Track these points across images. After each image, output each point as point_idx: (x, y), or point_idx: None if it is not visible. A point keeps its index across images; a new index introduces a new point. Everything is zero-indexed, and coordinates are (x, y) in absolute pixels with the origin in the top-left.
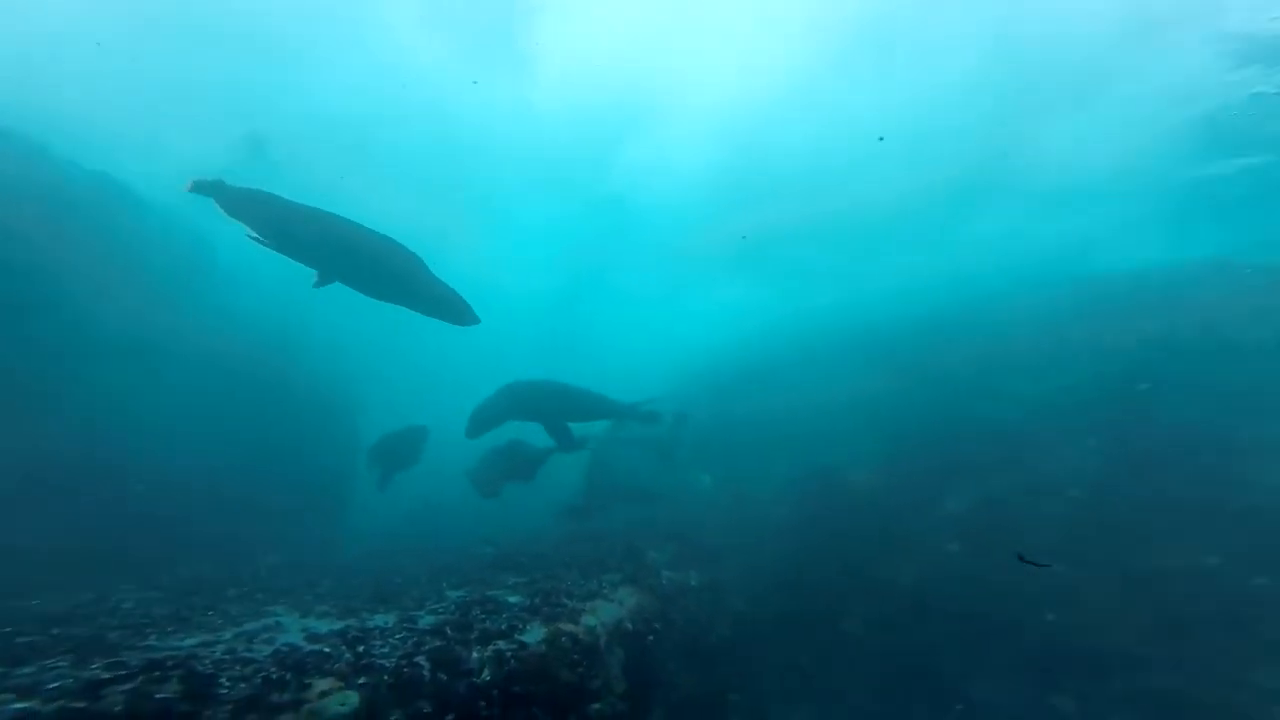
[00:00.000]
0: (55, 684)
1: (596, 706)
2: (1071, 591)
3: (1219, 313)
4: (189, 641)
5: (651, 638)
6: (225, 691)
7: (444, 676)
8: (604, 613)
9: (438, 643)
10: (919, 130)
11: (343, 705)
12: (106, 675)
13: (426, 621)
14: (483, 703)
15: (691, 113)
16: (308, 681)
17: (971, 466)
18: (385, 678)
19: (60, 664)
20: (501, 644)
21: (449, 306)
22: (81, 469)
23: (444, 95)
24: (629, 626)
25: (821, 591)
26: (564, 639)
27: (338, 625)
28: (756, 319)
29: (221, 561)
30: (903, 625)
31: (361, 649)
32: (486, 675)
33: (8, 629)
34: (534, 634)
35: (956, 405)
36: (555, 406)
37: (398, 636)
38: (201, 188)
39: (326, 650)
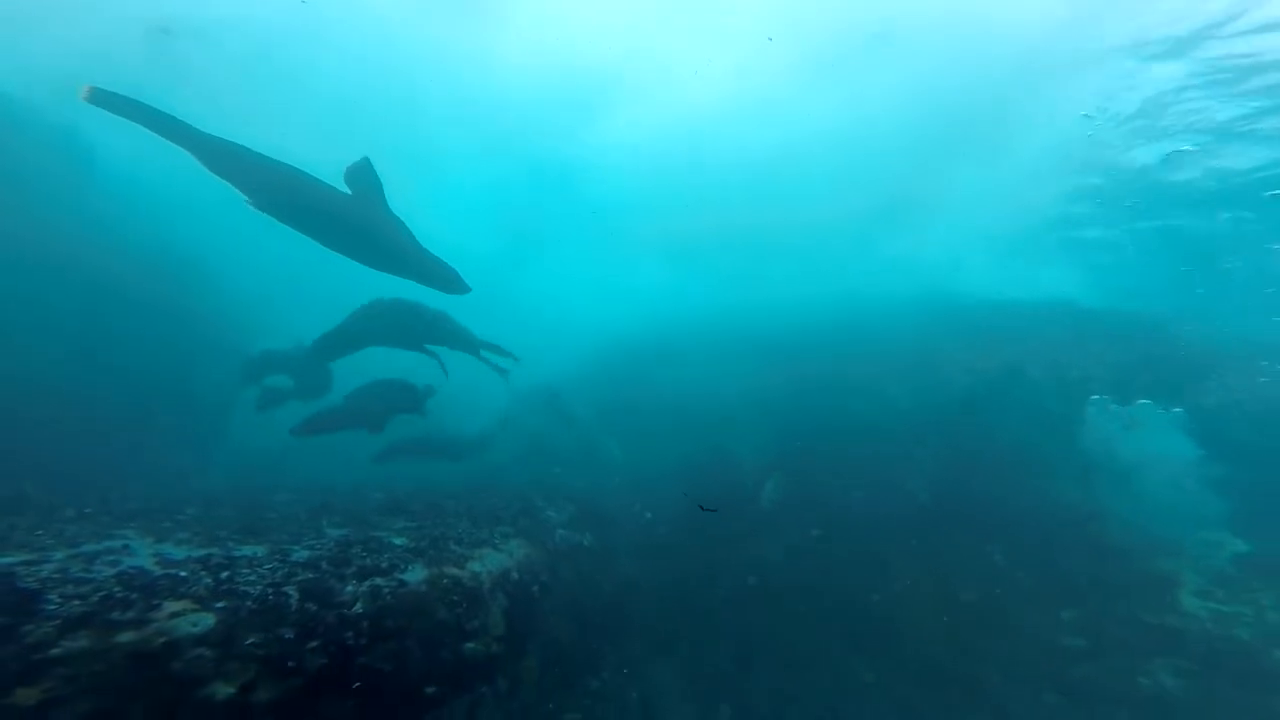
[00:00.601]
0: None
1: (470, 645)
2: (894, 577)
3: (1059, 351)
4: (6, 560)
5: (537, 589)
6: (54, 608)
7: (313, 606)
8: (491, 561)
9: (310, 575)
10: (850, 156)
11: (194, 626)
12: None
13: (300, 555)
14: (350, 633)
15: (651, 102)
16: (156, 602)
17: (847, 460)
18: (248, 603)
19: None
20: (380, 580)
21: (438, 275)
22: None
23: (393, 31)
24: (515, 576)
25: (700, 560)
26: (446, 580)
27: (198, 552)
28: (679, 306)
29: (59, 485)
30: (763, 597)
31: (225, 575)
32: (359, 608)
33: None
34: (415, 574)
35: (842, 406)
36: (413, 326)
37: (267, 567)
38: (106, 101)
39: (183, 575)
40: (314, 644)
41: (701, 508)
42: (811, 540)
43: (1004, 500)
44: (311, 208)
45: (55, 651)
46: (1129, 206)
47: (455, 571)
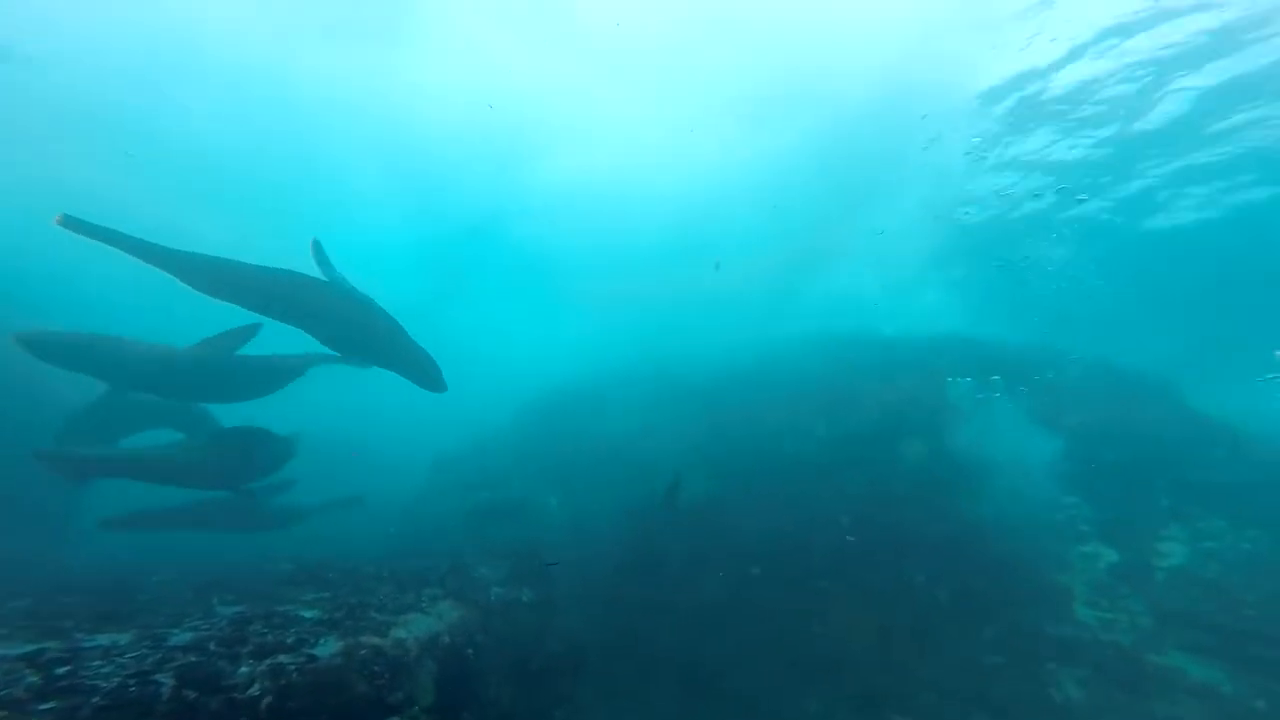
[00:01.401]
0: None
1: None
2: (830, 606)
3: (943, 377)
4: None
5: (471, 651)
6: None
7: (191, 693)
8: (417, 626)
9: (193, 658)
10: (766, 204)
11: None
12: None
13: (181, 638)
14: (243, 718)
15: (574, 150)
16: None
17: (780, 497)
18: (93, 699)
19: None
20: (284, 657)
21: (426, 369)
22: None
23: (279, 64)
24: (446, 640)
25: (645, 604)
26: (364, 651)
27: (25, 649)
28: (608, 356)
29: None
30: (709, 635)
31: (63, 670)
32: (255, 689)
33: None
34: (328, 647)
35: (773, 445)
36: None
37: (131, 655)
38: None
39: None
40: None
41: (547, 565)
42: (753, 578)
43: (917, 522)
44: (316, 308)
45: None
46: (975, 245)
47: (376, 640)
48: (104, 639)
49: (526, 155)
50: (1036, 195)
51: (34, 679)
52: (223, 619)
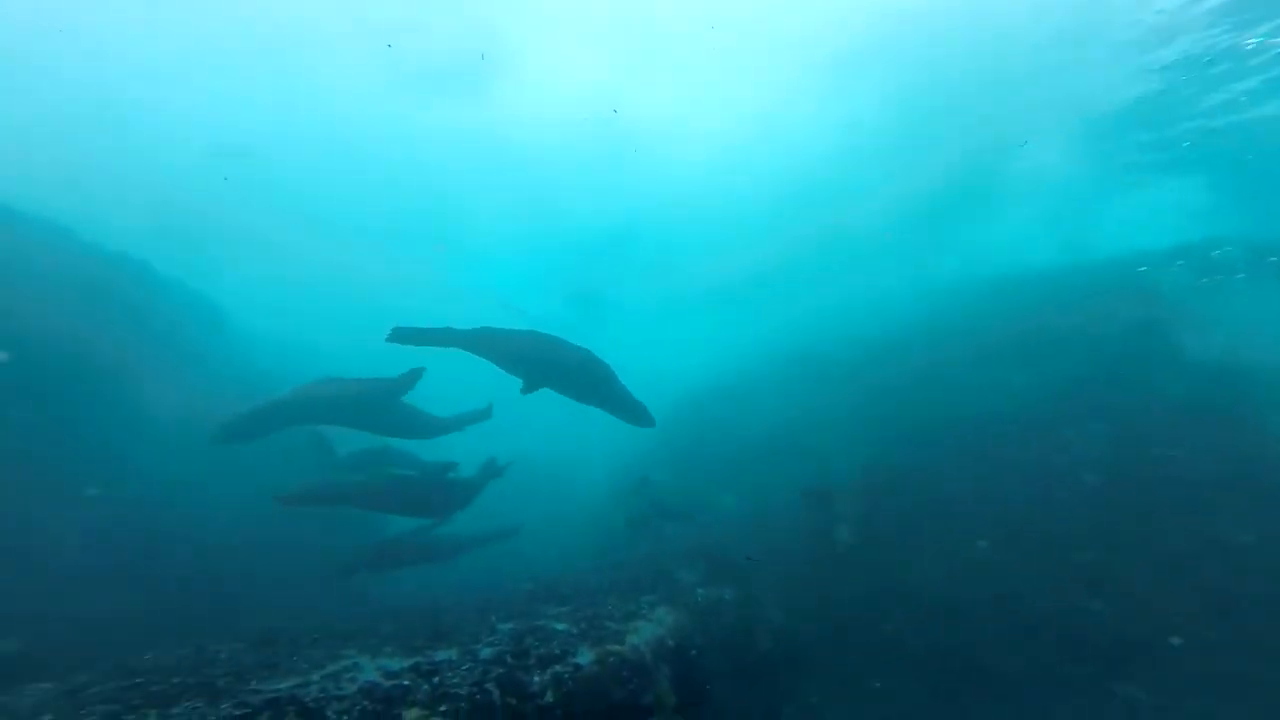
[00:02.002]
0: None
1: None
2: (1110, 577)
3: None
4: (285, 684)
5: (694, 652)
6: None
7: (513, 700)
8: (645, 632)
9: (500, 670)
10: (895, 144)
11: None
12: (238, 714)
13: (486, 653)
14: None
15: (680, 146)
16: (397, 712)
17: (984, 460)
18: (462, 704)
19: (199, 704)
20: (558, 667)
21: (632, 410)
22: (135, 541)
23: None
24: (670, 643)
25: (855, 598)
26: (612, 659)
27: (407, 663)
28: (748, 345)
29: (283, 613)
30: (942, 624)
31: (436, 680)
32: (549, 697)
33: (139, 679)
34: (585, 656)
35: (956, 402)
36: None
37: (464, 668)
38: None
39: (405, 684)
40: None
41: (746, 558)
42: (982, 554)
43: (1199, 462)
44: (555, 361)
45: None
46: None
47: (618, 648)
48: (443, 654)
49: (641, 159)
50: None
51: (425, 687)
52: (504, 634)
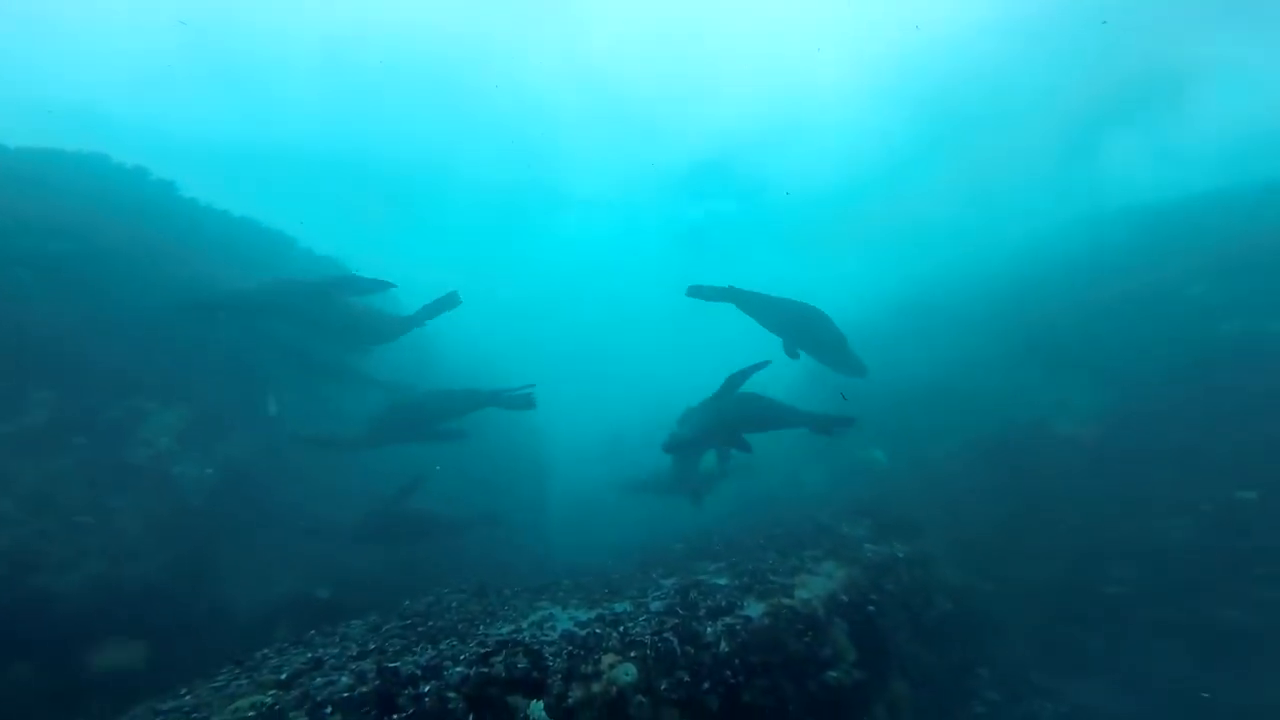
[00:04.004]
0: (463, 655)
1: (833, 674)
2: None
3: None
4: (505, 629)
5: (871, 608)
6: (551, 664)
7: (690, 649)
8: (814, 586)
9: (675, 620)
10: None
11: (627, 675)
12: (483, 651)
13: (656, 605)
14: (728, 671)
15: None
16: (596, 656)
17: (1242, 395)
18: (648, 651)
19: (454, 642)
20: (728, 619)
21: (852, 364)
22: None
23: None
24: (844, 598)
25: (1054, 556)
26: (783, 611)
27: (592, 614)
28: (891, 295)
29: (486, 569)
30: (1182, 585)
31: (621, 629)
32: (724, 646)
33: (408, 620)
34: (754, 609)
35: (1193, 330)
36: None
37: (641, 619)
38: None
39: (597, 631)
40: (706, 685)
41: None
42: (1245, 505)
43: None
44: (806, 327)
45: (568, 702)
46: None
47: (787, 602)
48: (619, 606)
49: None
50: None
51: (615, 635)
52: (668, 589)
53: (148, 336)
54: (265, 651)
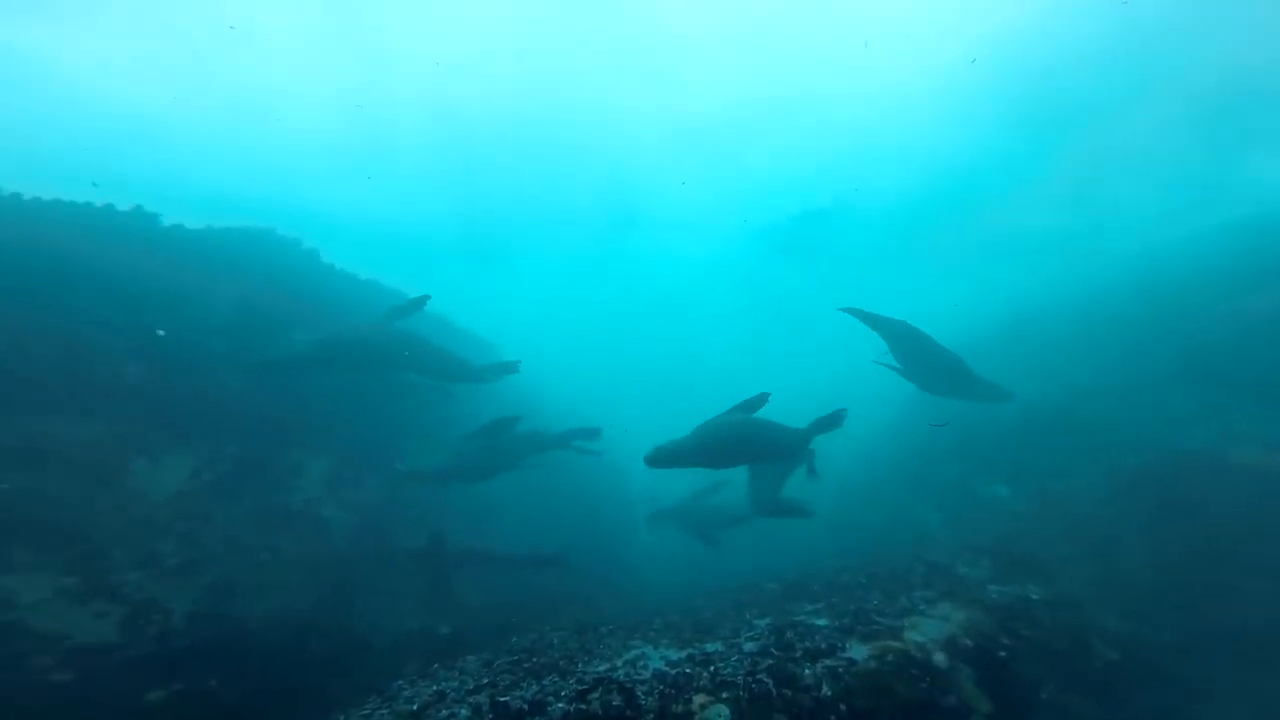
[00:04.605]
0: (564, 691)
1: None
2: None
3: None
4: (601, 667)
5: (1004, 654)
6: (643, 702)
7: (788, 692)
8: (928, 629)
9: (770, 661)
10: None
11: (720, 716)
12: (581, 688)
13: (750, 646)
14: (832, 716)
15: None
16: (687, 696)
17: None
18: (741, 693)
19: (555, 678)
20: (829, 661)
21: (988, 391)
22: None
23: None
24: (967, 643)
25: (1251, 601)
26: (891, 655)
27: (683, 653)
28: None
29: (582, 606)
30: None
31: (711, 669)
32: (826, 690)
33: (515, 656)
34: (858, 651)
35: None
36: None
37: (734, 659)
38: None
39: (688, 671)
40: None
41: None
42: None
43: None
44: (929, 357)
45: None
46: None
47: (896, 644)
48: (710, 646)
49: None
50: None
51: (706, 675)
52: (763, 629)
53: (299, 391)
54: (400, 683)
